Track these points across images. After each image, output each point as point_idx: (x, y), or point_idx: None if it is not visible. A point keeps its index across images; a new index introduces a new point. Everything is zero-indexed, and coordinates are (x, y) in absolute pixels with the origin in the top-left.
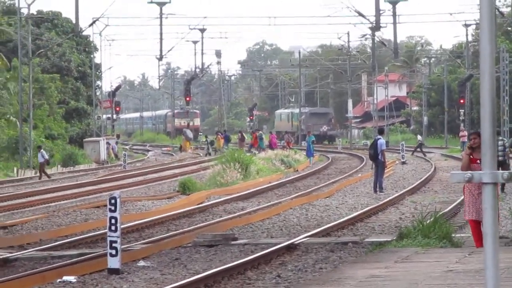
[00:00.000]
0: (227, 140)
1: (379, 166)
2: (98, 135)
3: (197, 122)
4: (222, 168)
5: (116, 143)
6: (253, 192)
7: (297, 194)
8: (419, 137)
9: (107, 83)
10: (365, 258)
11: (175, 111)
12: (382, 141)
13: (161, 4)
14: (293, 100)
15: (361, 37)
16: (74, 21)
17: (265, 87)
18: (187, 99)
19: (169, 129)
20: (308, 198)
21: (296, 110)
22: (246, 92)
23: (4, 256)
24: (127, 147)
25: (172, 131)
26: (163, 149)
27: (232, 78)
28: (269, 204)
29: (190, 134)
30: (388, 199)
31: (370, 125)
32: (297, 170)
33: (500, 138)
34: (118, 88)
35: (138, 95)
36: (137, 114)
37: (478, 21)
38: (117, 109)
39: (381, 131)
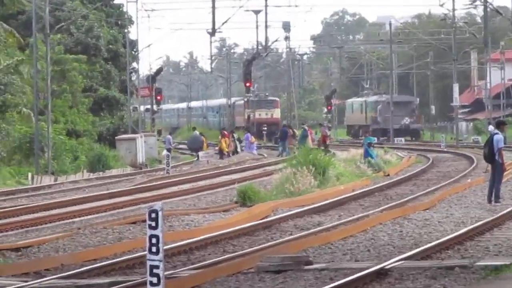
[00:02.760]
0: (238, 140)
1: (496, 169)
2: (135, 131)
3: (277, 113)
4: (292, 172)
5: (169, 139)
6: (332, 203)
7: (388, 206)
8: None
9: (146, 65)
10: (476, 287)
11: (249, 98)
12: (499, 136)
13: None
14: (367, 86)
15: (469, 4)
16: None
17: (347, 69)
18: (247, 84)
19: (239, 122)
20: (402, 210)
21: (371, 99)
22: (322, 75)
23: (17, 286)
24: (171, 146)
25: (246, 125)
26: (217, 149)
27: (305, 57)
28: (352, 218)
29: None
30: (506, 211)
31: (482, 117)
32: (388, 175)
33: None
34: (159, 71)
35: (184, 80)
36: (183, 104)
37: None
38: (158, 98)
39: (500, 124)
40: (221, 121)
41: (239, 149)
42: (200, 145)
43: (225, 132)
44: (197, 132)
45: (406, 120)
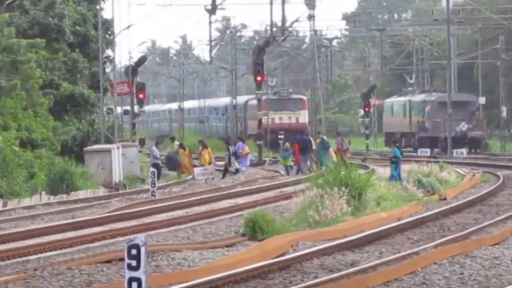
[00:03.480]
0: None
1: None
2: (109, 141)
3: (303, 117)
4: (317, 195)
5: (154, 151)
6: (371, 236)
7: (445, 239)
8: None
9: (124, 53)
10: None
11: (260, 97)
12: None
13: None
14: (412, 80)
15: None
16: None
17: (390, 58)
18: (258, 78)
19: (253, 129)
20: (463, 246)
21: (417, 98)
22: (358, 67)
23: None
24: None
25: (264, 132)
26: (220, 163)
27: (334, 43)
28: (397, 255)
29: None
30: None
31: None
32: (445, 199)
33: None
34: (142, 61)
35: (175, 73)
36: (173, 105)
37: None
38: (141, 96)
39: None
40: (227, 126)
41: (233, 167)
42: (179, 160)
43: (204, 142)
44: (176, 143)
45: (463, 126)
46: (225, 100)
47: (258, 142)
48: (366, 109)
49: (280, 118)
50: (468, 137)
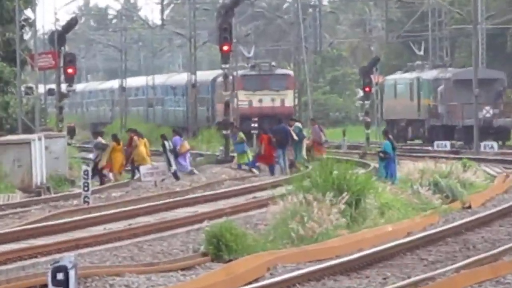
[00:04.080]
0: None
1: None
2: (29, 130)
3: (289, 99)
4: (302, 202)
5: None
6: (372, 256)
7: (469, 261)
8: None
9: (49, 15)
10: None
11: (239, 72)
12: None
13: None
14: (420, 52)
15: None
16: None
17: (398, 21)
18: (225, 48)
19: (221, 115)
20: (493, 269)
21: (427, 75)
22: (356, 33)
23: None
24: (90, 155)
25: (237, 119)
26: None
27: (325, 1)
28: (406, 282)
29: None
30: None
31: None
32: (469, 207)
33: None
34: (71, 25)
35: (116, 41)
36: (113, 83)
37: None
38: (70, 71)
39: None
40: (189, 112)
41: (171, 169)
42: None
43: (137, 131)
44: (100, 140)
45: (487, 112)
46: (186, 77)
47: (224, 133)
48: (366, 89)
49: (260, 101)
50: (494, 126)
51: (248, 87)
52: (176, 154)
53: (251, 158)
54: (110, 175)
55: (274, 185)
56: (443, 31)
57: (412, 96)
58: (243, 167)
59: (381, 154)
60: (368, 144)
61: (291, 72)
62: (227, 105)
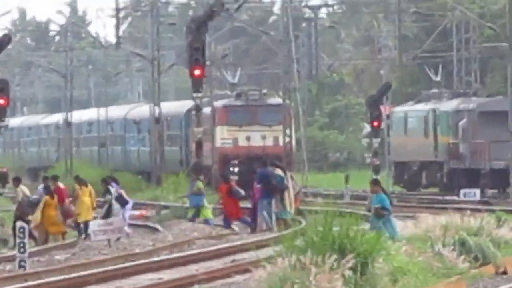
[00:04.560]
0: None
1: None
2: None
3: (277, 138)
4: (296, 265)
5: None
6: None
7: None
8: None
9: None
10: None
11: (221, 103)
12: None
13: None
14: (437, 78)
15: None
16: None
17: (415, 38)
18: (196, 72)
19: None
20: None
21: (445, 106)
22: (361, 52)
23: None
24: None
25: (218, 162)
26: (136, 213)
27: (323, 13)
28: None
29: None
30: None
31: None
32: (505, 272)
33: None
34: (2, 44)
35: (58, 63)
36: (59, 117)
37: None
38: (1, 102)
39: None
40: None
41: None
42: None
43: (81, 179)
44: (23, 189)
45: None
46: (138, 111)
47: (192, 180)
48: (375, 123)
49: (248, 138)
50: None
51: (232, 121)
52: (126, 202)
53: (210, 215)
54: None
55: (259, 245)
56: (471, 50)
57: (427, 132)
58: (210, 223)
59: (380, 212)
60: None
61: (279, 100)
62: (199, 144)
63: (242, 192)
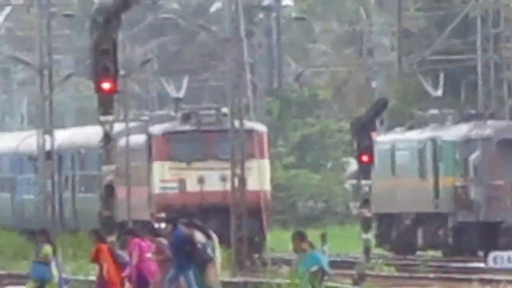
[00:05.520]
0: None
1: None
2: None
3: (260, 178)
4: None
5: None
6: None
7: None
8: None
9: None
10: None
11: (161, 128)
12: None
13: None
14: (437, 91)
15: None
16: None
17: (419, 37)
18: (105, 85)
19: (143, 206)
20: None
21: (450, 134)
22: (343, 56)
23: None
24: None
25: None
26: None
27: (288, 0)
28: None
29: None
30: None
31: None
32: None
33: None
34: None
35: None
36: None
37: None
38: None
39: None
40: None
41: None
42: None
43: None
44: None
45: None
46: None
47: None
48: (364, 157)
49: (201, 181)
50: None
51: (178, 155)
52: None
53: None
54: None
55: None
56: (502, 51)
57: (424, 171)
58: None
59: (318, 276)
60: (367, 258)
61: (262, 127)
62: (109, 190)
63: (127, 257)
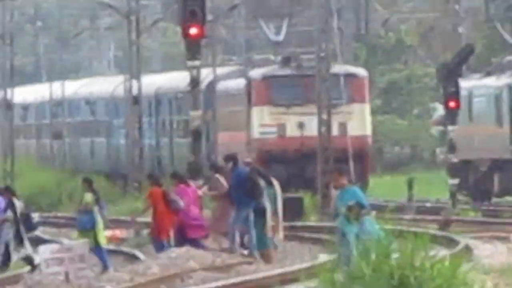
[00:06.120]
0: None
1: None
2: None
3: (359, 123)
4: None
5: None
6: None
7: None
8: None
9: None
10: None
11: (259, 72)
12: None
13: None
14: None
15: None
16: None
17: None
18: (192, 31)
19: (225, 149)
20: None
21: None
22: (430, 4)
23: None
24: None
25: (256, 159)
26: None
27: None
28: None
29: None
30: None
31: None
32: None
33: None
34: None
35: None
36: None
37: None
38: None
39: None
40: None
41: (20, 251)
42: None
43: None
44: None
45: None
46: (177, 79)
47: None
48: (451, 103)
49: (300, 126)
50: None
51: (278, 99)
52: (31, 227)
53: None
54: None
55: (284, 280)
56: None
57: (501, 118)
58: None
59: (356, 210)
60: (454, 203)
61: (363, 72)
62: (196, 135)
63: (181, 203)
